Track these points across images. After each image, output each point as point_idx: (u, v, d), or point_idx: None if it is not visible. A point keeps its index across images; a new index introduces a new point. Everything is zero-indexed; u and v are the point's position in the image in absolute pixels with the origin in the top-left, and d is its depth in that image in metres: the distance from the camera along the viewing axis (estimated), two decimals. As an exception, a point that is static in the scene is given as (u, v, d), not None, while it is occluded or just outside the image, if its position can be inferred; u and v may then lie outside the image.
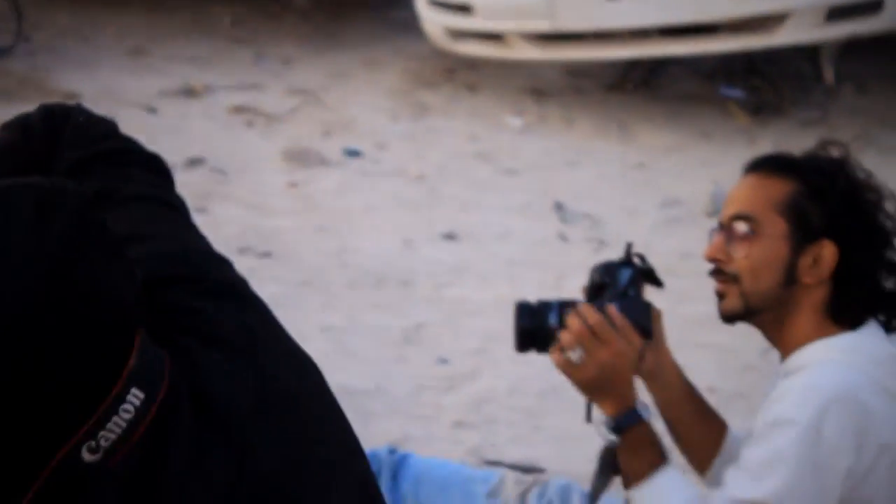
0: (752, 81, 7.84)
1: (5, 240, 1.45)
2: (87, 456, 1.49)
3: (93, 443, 1.49)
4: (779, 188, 2.54)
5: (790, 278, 2.52)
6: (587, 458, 3.85)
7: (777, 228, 2.52)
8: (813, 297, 2.53)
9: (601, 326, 2.51)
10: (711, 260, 2.59)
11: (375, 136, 7.18)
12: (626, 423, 2.52)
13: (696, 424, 2.74)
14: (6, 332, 1.41)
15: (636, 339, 2.53)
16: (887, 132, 7.79)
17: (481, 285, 5.25)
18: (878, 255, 2.54)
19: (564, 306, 2.63)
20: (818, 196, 2.52)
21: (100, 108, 6.79)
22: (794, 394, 2.43)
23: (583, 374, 2.54)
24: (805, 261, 2.51)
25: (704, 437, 2.50)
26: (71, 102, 2.03)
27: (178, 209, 1.95)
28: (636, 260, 2.71)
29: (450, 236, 5.80)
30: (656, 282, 2.72)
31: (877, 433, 2.40)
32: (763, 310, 2.58)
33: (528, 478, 3.35)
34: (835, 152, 2.60)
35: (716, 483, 2.61)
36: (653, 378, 2.78)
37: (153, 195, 1.91)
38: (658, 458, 2.51)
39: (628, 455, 2.53)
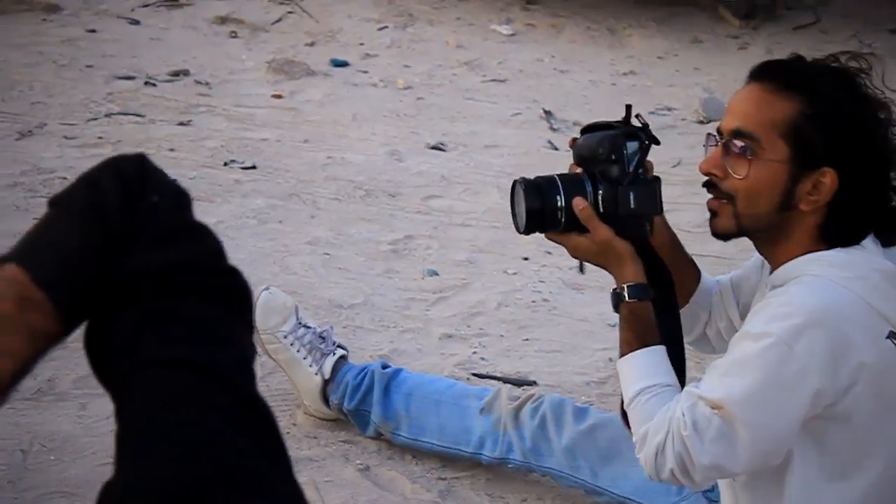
0: (744, -15, 7.74)
1: None
2: None
3: None
4: (784, 108, 2.43)
5: (786, 204, 2.45)
6: (577, 370, 3.82)
7: (778, 152, 2.43)
8: (808, 222, 2.47)
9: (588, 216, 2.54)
10: (706, 173, 2.51)
11: (362, 46, 7.09)
12: (620, 296, 2.53)
13: (677, 270, 2.70)
14: None
15: (603, 230, 2.53)
16: (879, 35, 7.71)
17: (470, 196, 5.18)
18: (879, 181, 2.46)
19: (568, 182, 2.55)
20: (823, 121, 2.42)
21: (81, 20, 6.65)
22: (772, 309, 2.39)
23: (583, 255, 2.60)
24: (804, 187, 2.44)
25: (682, 282, 2.68)
26: (135, 154, 1.76)
27: (221, 379, 1.66)
28: (635, 120, 2.57)
29: (438, 147, 5.73)
30: (653, 139, 2.58)
31: (856, 352, 2.36)
32: (756, 231, 2.53)
33: (521, 393, 3.31)
34: (853, 63, 2.48)
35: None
36: None
37: (190, 359, 1.65)
38: (650, 337, 2.52)
39: (622, 326, 2.54)
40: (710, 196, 2.52)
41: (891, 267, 2.45)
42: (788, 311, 2.36)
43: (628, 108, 2.57)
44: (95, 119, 5.58)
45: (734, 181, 2.46)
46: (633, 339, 2.51)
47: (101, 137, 5.36)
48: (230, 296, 1.72)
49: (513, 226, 2.60)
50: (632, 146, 2.52)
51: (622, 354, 2.53)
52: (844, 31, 7.73)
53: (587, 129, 2.62)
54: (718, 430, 2.35)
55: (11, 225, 4.42)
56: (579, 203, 2.50)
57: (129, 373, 1.64)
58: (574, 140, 2.63)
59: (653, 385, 2.47)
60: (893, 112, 2.49)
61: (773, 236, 2.50)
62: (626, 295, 2.51)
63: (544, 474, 3.18)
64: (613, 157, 2.51)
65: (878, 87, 2.48)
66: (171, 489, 1.57)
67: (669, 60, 7.29)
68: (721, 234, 2.55)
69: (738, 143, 2.45)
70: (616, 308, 2.54)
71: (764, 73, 2.50)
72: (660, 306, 2.56)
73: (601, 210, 2.52)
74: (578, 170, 2.57)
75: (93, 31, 6.79)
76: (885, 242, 2.49)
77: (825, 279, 2.39)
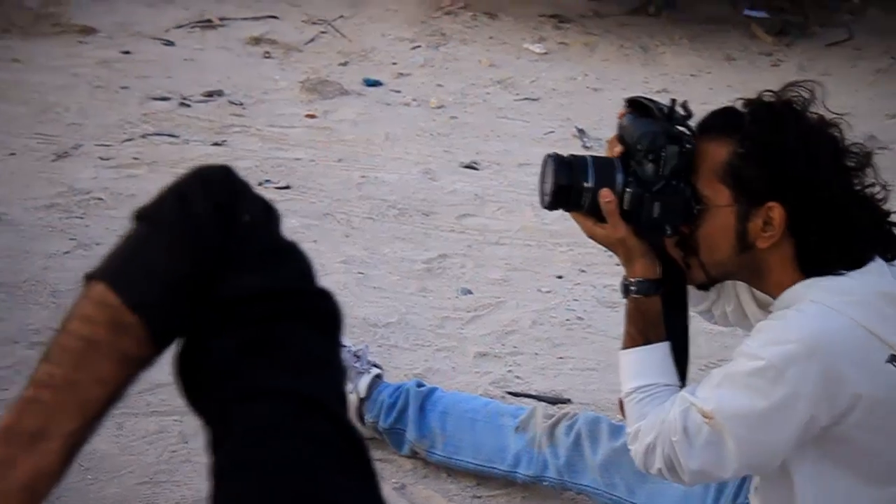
0: (776, 2, 7.73)
1: None
2: None
3: None
4: (718, 153, 2.45)
5: (744, 245, 2.46)
6: (612, 387, 3.81)
7: (722, 197, 2.45)
8: (779, 255, 2.47)
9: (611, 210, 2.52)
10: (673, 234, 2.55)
11: (395, 66, 7.11)
12: (628, 288, 2.57)
13: None
14: None
15: (621, 229, 2.51)
16: (914, 52, 7.70)
17: (504, 214, 5.19)
18: (831, 202, 2.44)
19: (600, 167, 2.53)
20: (755, 156, 2.42)
21: (116, 41, 6.69)
22: (768, 333, 2.41)
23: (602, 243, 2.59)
24: (755, 225, 2.44)
25: None
26: (220, 166, 1.68)
27: (323, 410, 1.63)
28: (679, 111, 2.50)
29: (471, 165, 5.74)
30: (691, 140, 2.52)
31: (850, 384, 2.36)
32: (729, 276, 2.57)
33: (556, 411, 3.31)
34: (792, 92, 2.47)
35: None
36: None
37: (292, 390, 1.60)
38: (653, 334, 2.56)
39: (627, 319, 2.58)
40: (680, 251, 2.55)
41: (893, 288, 2.44)
42: (783, 337, 2.38)
43: (673, 102, 2.52)
44: (131, 140, 5.61)
45: (692, 234, 2.50)
46: (636, 334, 2.57)
47: (136, 158, 5.39)
48: (325, 320, 1.67)
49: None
50: (671, 150, 2.48)
51: (624, 346, 2.58)
52: (877, 47, 7.71)
53: (633, 104, 2.57)
54: (707, 438, 2.40)
55: (48, 246, 4.45)
56: (606, 195, 2.50)
57: (229, 402, 1.58)
58: (623, 114, 2.59)
59: (649, 384, 2.53)
60: (838, 136, 2.47)
61: (753, 277, 2.54)
62: (633, 289, 2.55)
63: (579, 492, 3.18)
64: (651, 156, 2.49)
65: (822, 112, 2.46)
66: None
67: (703, 78, 7.28)
68: (698, 286, 2.63)
69: None
70: (624, 297, 2.58)
71: (703, 126, 2.51)
72: (668, 303, 2.58)
73: (625, 208, 2.52)
74: (618, 148, 2.56)
75: (127, 52, 6.84)
76: (889, 259, 2.48)
77: (822, 306, 2.39)
